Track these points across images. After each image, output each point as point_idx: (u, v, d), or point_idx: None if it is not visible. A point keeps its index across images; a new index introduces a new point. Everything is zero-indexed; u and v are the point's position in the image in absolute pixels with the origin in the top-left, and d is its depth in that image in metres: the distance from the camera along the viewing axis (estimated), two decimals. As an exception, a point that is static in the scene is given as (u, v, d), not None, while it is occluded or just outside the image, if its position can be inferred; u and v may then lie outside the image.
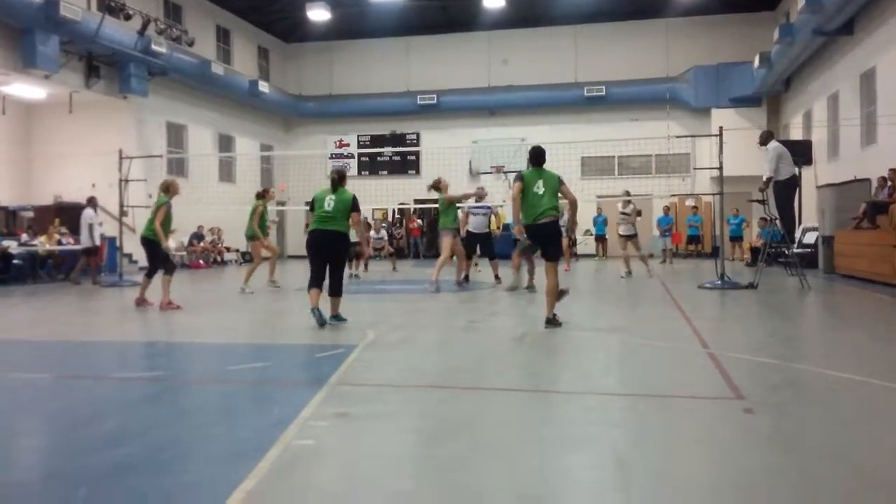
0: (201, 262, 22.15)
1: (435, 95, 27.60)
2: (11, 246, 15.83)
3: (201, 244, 22.59)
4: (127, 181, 15.23)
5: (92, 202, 15.53)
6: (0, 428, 4.41)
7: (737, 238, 22.13)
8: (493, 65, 27.96)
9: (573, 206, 8.28)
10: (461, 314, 9.36)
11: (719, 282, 12.36)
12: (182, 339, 7.81)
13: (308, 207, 8.29)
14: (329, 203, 7.95)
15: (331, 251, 8.00)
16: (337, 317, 8.16)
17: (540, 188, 7.71)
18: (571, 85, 26.77)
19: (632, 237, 15.75)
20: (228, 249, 24.14)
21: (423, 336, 7.69)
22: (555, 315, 7.79)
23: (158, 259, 10.31)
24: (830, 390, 4.94)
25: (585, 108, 26.65)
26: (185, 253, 22.15)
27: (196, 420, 4.43)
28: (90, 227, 15.18)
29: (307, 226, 8.34)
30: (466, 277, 13.24)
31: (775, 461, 3.47)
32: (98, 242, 15.35)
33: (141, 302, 10.35)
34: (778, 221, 12.30)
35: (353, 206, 8.03)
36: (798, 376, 5.36)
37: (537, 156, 7.94)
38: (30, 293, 13.51)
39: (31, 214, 19.00)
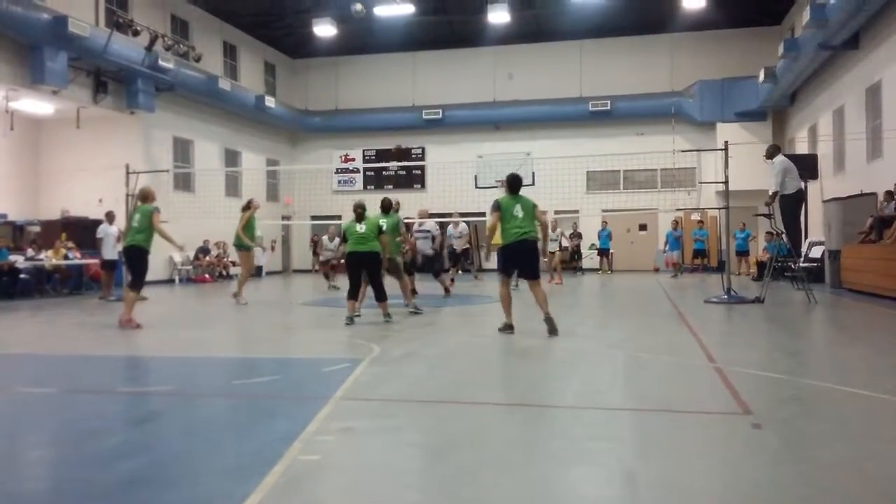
0: (207, 276, 22.19)
1: (440, 110, 27.67)
2: (18, 260, 15.87)
3: (207, 258, 22.63)
4: (134, 196, 15.29)
5: (108, 216, 15.56)
6: (8, 441, 4.42)
7: (743, 252, 22.08)
8: (498, 79, 28.05)
9: (544, 228, 8.91)
10: (466, 329, 9.36)
11: (726, 296, 12.33)
12: (188, 354, 7.81)
13: (341, 239, 10.33)
14: (361, 228, 9.71)
15: (366, 267, 9.76)
16: (388, 315, 9.75)
17: (518, 212, 8.29)
18: (577, 99, 26.82)
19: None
20: (234, 264, 24.11)
21: (428, 350, 7.68)
22: (550, 320, 8.33)
23: (142, 271, 9.84)
24: (838, 405, 4.92)
25: (591, 122, 26.69)
26: (190, 267, 22.22)
27: (203, 434, 4.43)
28: (100, 240, 15.24)
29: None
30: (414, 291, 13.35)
31: (783, 476, 3.45)
32: (108, 256, 15.26)
33: (127, 322, 9.65)
34: (784, 235, 12.28)
35: (381, 229, 9.88)
36: (806, 391, 5.34)
37: (514, 183, 8.59)
38: (36, 307, 13.54)
39: (37, 229, 19.06)
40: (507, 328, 8.48)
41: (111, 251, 15.27)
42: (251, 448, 3.98)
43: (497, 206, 8.37)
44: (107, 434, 4.41)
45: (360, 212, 9.84)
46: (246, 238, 13.46)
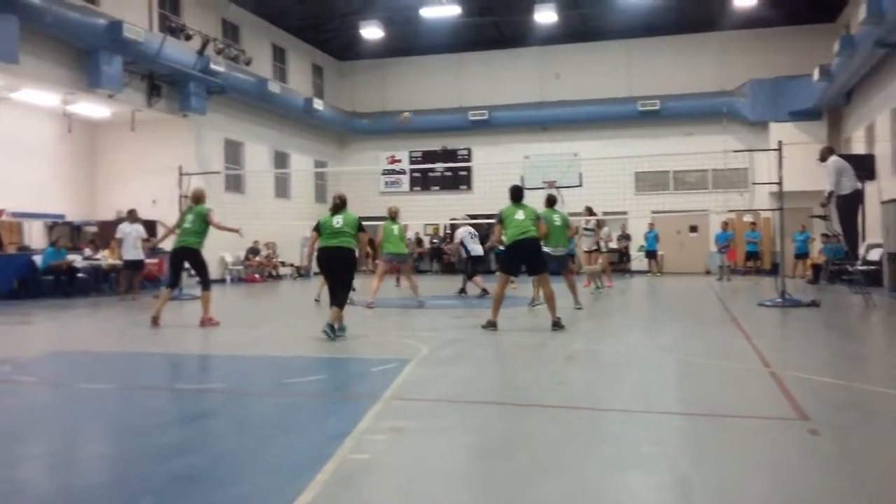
0: (257, 276, 22.51)
1: (486, 111, 27.62)
2: (76, 260, 16.29)
3: (257, 259, 22.96)
4: (186, 197, 15.53)
5: (130, 215, 15.53)
6: (68, 436, 4.54)
7: (802, 255, 21.54)
8: (545, 80, 27.90)
9: (542, 234, 9.54)
10: (514, 330, 9.30)
11: (780, 299, 12.06)
12: (240, 353, 7.92)
13: (313, 228, 8.95)
14: (338, 221, 8.59)
15: (341, 265, 8.57)
16: (340, 328, 8.50)
17: (521, 216, 9.07)
18: (625, 99, 26.52)
19: (595, 251, 15.96)
20: (283, 264, 24.46)
21: (476, 351, 7.67)
22: (559, 318, 8.94)
23: (204, 270, 10.13)
24: (900, 412, 4.78)
25: (639, 122, 26.36)
26: (241, 267, 22.58)
27: (255, 432, 4.49)
28: (120, 240, 15.15)
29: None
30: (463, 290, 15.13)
31: (842, 485, 3.36)
32: (128, 256, 15.15)
33: (209, 321, 9.87)
34: (841, 237, 11.97)
35: (360, 226, 8.67)
36: (864, 397, 5.19)
37: (516, 193, 9.41)
38: (93, 306, 13.89)
39: (94, 229, 19.56)
40: (491, 325, 9.00)
41: (132, 251, 15.07)
42: (302, 446, 4.03)
43: (500, 219, 9.24)
44: (162, 430, 4.51)
45: (337, 202, 8.79)
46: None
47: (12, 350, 8.27)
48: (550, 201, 11.84)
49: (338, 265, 8.52)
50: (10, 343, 9.07)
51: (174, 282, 10.34)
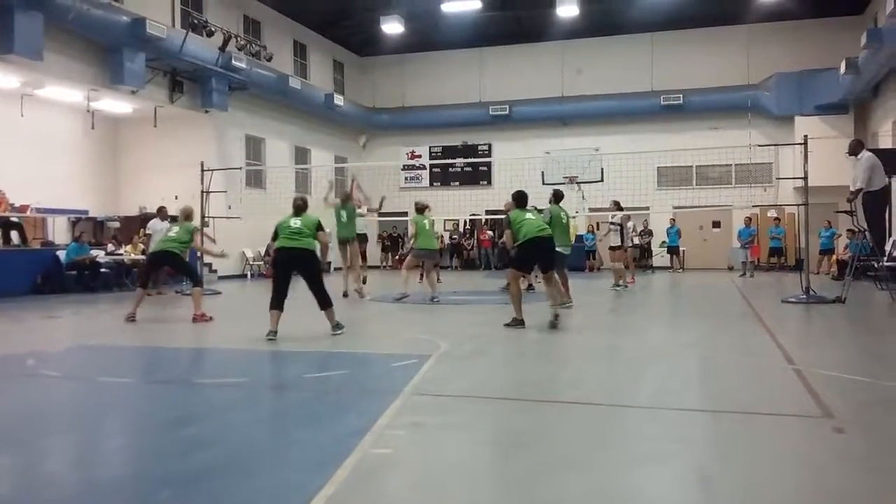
0: (277, 271, 22.59)
1: (507, 106, 27.53)
2: (99, 255, 16.42)
3: (278, 254, 23.04)
4: (208, 193, 15.66)
5: (161, 212, 15.68)
6: (89, 430, 4.58)
7: (828, 251, 21.30)
8: (566, 74, 27.74)
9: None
10: (533, 327, 9.26)
11: (804, 296, 11.91)
12: (260, 347, 7.95)
13: (272, 237, 8.70)
14: (295, 222, 8.37)
15: (301, 268, 8.30)
16: (337, 326, 8.36)
17: (530, 217, 8.97)
18: (647, 93, 26.31)
19: (618, 248, 15.66)
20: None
21: (496, 348, 7.64)
22: (557, 316, 8.75)
23: (190, 269, 11.04)
24: (928, 410, 4.69)
25: (662, 116, 26.16)
26: (261, 262, 22.69)
27: (276, 426, 4.51)
28: (150, 236, 15.34)
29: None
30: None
31: (869, 484, 3.31)
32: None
33: (200, 317, 10.16)
34: (867, 233, 11.81)
35: (320, 226, 8.47)
36: (890, 394, 5.12)
37: (520, 199, 9.29)
38: (116, 300, 13.99)
39: (117, 224, 19.73)
40: (518, 323, 8.80)
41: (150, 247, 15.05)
42: (323, 440, 4.03)
43: (508, 223, 9.02)
44: (183, 424, 4.53)
45: (299, 204, 8.68)
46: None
47: (36, 344, 8.36)
48: (558, 197, 11.58)
49: (296, 266, 8.28)
50: (35, 337, 9.16)
51: (145, 282, 11.00)
